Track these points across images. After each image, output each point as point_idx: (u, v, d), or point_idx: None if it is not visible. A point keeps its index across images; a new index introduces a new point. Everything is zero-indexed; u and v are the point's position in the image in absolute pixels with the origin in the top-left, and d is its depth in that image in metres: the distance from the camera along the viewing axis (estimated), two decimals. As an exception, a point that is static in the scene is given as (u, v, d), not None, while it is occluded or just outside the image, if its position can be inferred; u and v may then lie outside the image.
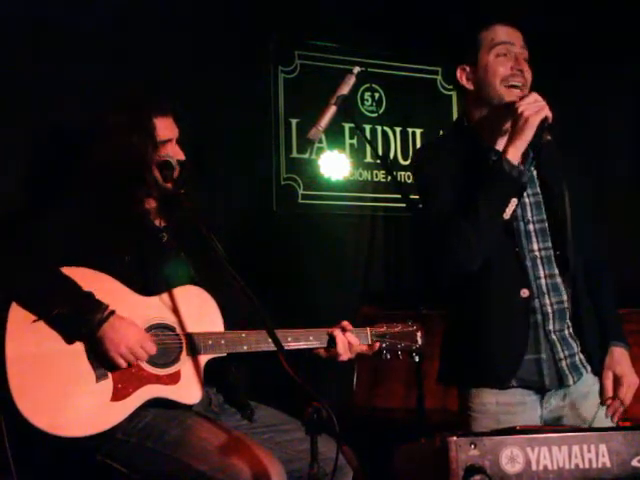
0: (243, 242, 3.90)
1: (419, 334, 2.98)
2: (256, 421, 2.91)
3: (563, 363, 2.75)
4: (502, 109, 2.76)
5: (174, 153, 2.96)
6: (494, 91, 2.76)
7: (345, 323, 2.92)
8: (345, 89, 2.68)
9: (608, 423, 2.78)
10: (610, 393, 2.77)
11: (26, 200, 3.43)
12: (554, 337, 2.75)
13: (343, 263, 4.52)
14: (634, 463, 2.07)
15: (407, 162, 4.66)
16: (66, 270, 2.74)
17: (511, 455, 2.02)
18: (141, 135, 2.90)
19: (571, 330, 2.78)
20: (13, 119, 3.48)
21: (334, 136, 4.42)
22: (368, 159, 4.61)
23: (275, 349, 2.63)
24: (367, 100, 4.58)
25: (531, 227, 2.77)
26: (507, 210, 2.65)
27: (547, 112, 2.64)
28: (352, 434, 2.45)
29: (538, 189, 2.81)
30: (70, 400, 2.67)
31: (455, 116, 4.76)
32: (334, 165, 4.43)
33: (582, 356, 2.79)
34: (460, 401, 2.86)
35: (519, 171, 2.66)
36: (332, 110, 2.67)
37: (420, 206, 2.83)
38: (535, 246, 2.77)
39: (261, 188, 4.30)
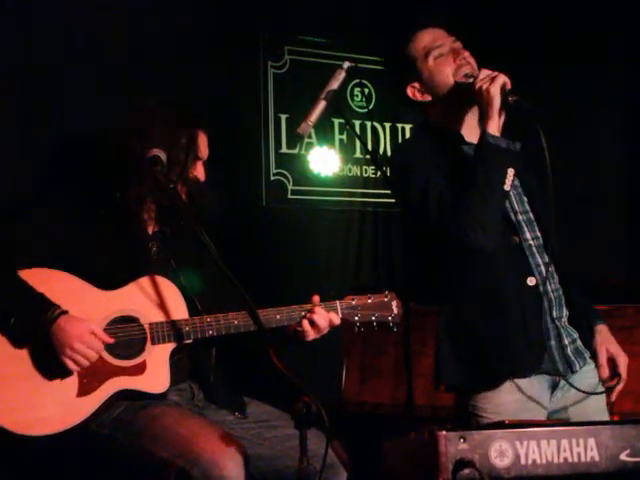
0: (232, 237, 3.89)
1: (394, 303, 2.95)
2: (246, 416, 2.90)
3: (568, 349, 2.76)
4: (460, 95, 2.77)
5: (199, 172, 2.96)
6: (450, 86, 2.79)
7: (314, 298, 2.90)
8: (335, 84, 2.68)
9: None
10: (607, 371, 2.81)
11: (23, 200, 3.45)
12: (557, 323, 2.77)
13: (333, 258, 4.52)
14: (622, 457, 2.08)
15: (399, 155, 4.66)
16: (26, 272, 2.74)
17: (500, 449, 2.02)
18: (187, 140, 2.90)
19: (569, 317, 2.80)
20: (14, 119, 3.49)
21: (324, 131, 4.42)
22: (358, 155, 4.61)
23: (243, 331, 2.74)
24: (357, 95, 4.58)
25: (520, 217, 2.80)
26: (506, 181, 2.66)
27: (503, 78, 2.67)
28: (341, 429, 2.45)
29: (517, 182, 2.83)
30: (35, 398, 2.68)
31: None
32: (324, 160, 4.43)
33: (580, 342, 2.81)
34: (465, 403, 2.76)
35: (506, 142, 2.68)
36: (322, 105, 2.66)
37: (411, 201, 2.78)
38: (528, 235, 2.79)
39: (250, 183, 4.30)
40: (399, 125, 4.72)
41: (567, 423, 2.39)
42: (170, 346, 2.80)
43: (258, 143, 4.32)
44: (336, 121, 4.51)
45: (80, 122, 3.57)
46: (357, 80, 4.47)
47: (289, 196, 4.40)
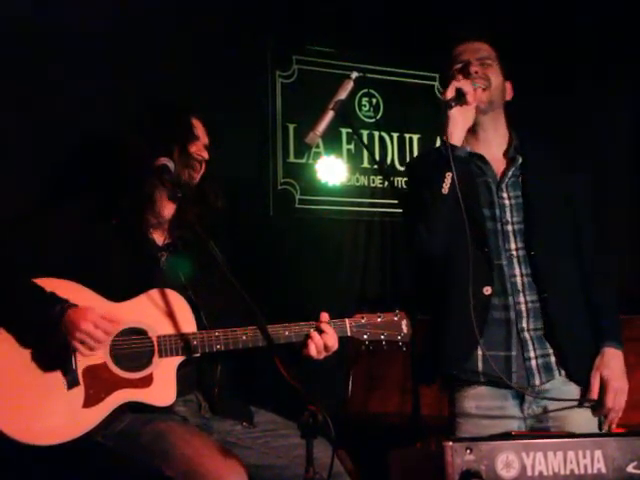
0: (240, 247, 3.90)
1: (404, 323, 2.95)
2: (254, 426, 2.90)
3: (533, 362, 2.79)
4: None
5: (199, 151, 2.98)
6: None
7: (323, 315, 2.90)
8: (343, 94, 2.70)
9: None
10: (595, 396, 2.79)
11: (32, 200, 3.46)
12: (526, 335, 2.80)
13: (340, 268, 4.52)
14: (629, 469, 2.08)
15: (404, 168, 4.66)
16: (36, 281, 2.75)
17: (507, 460, 2.02)
18: (179, 126, 2.94)
19: (545, 331, 2.81)
20: (17, 119, 3.49)
21: (331, 141, 4.42)
22: (365, 164, 4.61)
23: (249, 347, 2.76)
24: (365, 105, 4.59)
25: (509, 228, 2.87)
26: (444, 185, 2.74)
27: (455, 84, 2.80)
28: (347, 438, 2.44)
29: (520, 192, 2.90)
30: (41, 409, 2.68)
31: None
32: (331, 170, 4.43)
33: (556, 358, 2.81)
34: (448, 406, 2.91)
35: (451, 147, 2.76)
36: (330, 115, 2.68)
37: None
38: (512, 245, 2.85)
39: (258, 193, 4.30)
40: (407, 135, 4.72)
41: (574, 435, 2.39)
42: (177, 359, 2.80)
43: (266, 152, 4.33)
44: (344, 131, 4.52)
45: (85, 125, 3.59)
46: (365, 90, 4.50)
47: (296, 205, 4.40)
